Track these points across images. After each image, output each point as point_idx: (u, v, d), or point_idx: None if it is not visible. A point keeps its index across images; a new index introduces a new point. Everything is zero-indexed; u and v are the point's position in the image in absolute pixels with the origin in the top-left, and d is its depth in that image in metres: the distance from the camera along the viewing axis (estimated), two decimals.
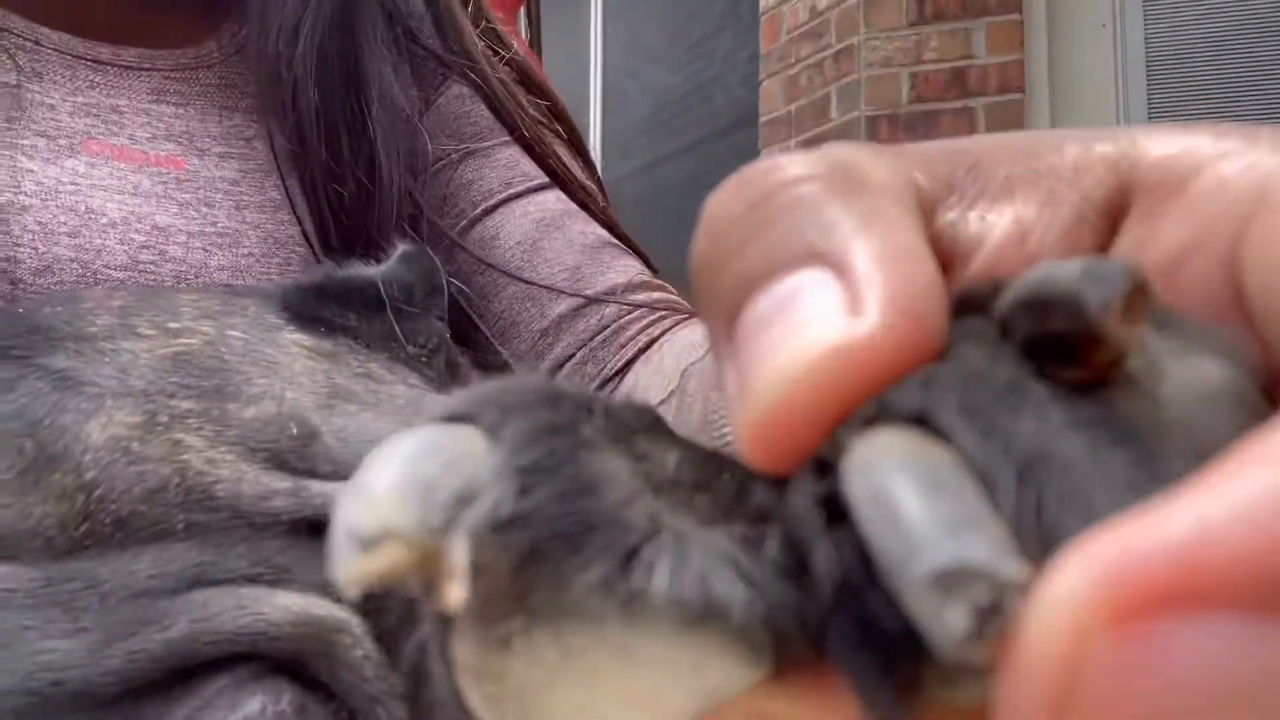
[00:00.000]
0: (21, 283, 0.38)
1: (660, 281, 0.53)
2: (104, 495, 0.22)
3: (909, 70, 2.19)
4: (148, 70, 0.47)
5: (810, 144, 2.36)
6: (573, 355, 0.51)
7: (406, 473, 0.10)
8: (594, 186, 0.57)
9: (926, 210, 0.13)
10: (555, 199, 0.54)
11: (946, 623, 0.08)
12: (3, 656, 0.19)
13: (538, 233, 0.53)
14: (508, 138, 0.55)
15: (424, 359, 0.33)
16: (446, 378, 0.33)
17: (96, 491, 0.22)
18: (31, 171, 0.40)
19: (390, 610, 0.23)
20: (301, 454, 0.25)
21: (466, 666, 0.10)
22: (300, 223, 0.46)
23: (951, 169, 0.14)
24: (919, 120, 2.17)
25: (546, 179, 0.54)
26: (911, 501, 0.09)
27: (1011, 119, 2.11)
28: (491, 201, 0.53)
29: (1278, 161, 0.11)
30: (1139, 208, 0.13)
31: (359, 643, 0.22)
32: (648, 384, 0.48)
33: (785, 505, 0.10)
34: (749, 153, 2.68)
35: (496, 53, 0.55)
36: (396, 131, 0.48)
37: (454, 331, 0.38)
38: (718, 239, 0.13)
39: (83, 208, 0.40)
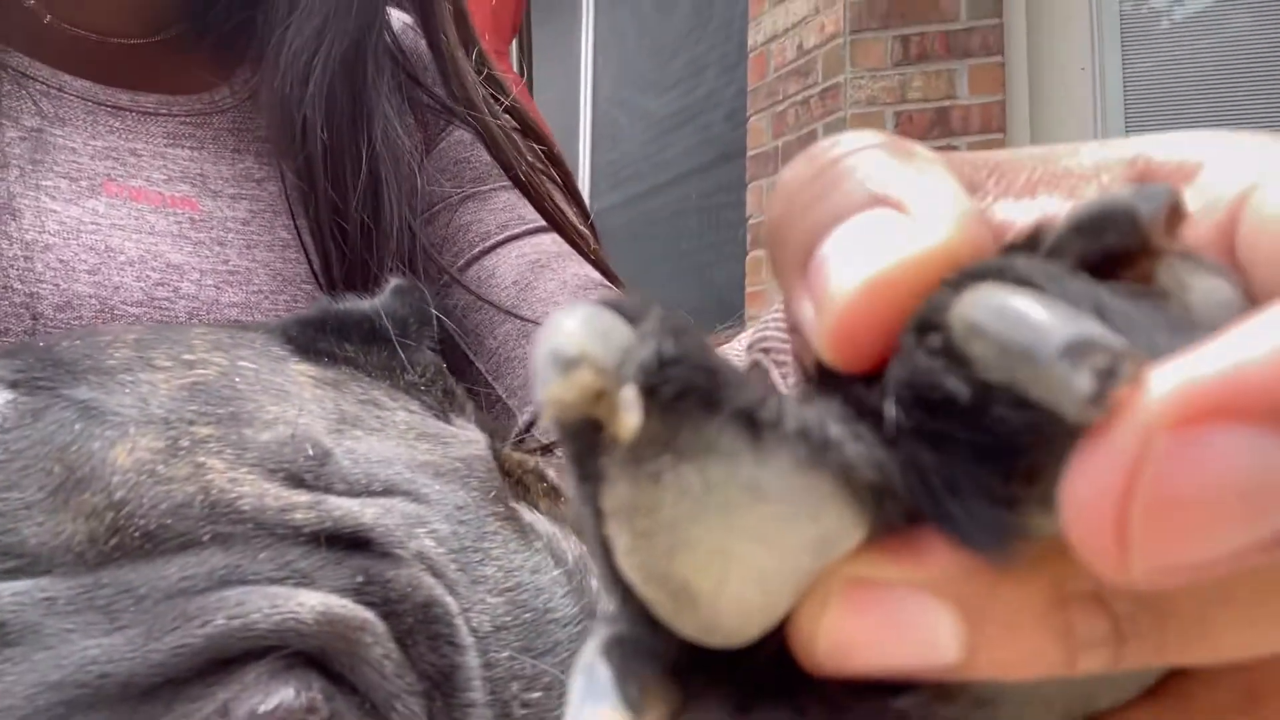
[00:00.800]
0: (43, 317, 0.40)
1: None
2: (132, 511, 0.24)
3: (893, 109, 2.24)
4: (164, 116, 0.49)
5: None
6: None
7: (589, 324, 0.12)
8: (586, 231, 0.59)
9: None
10: (550, 241, 0.56)
11: (1075, 384, 0.10)
12: (51, 655, 0.21)
13: (532, 273, 0.55)
14: (505, 182, 0.57)
15: (422, 386, 0.35)
16: (444, 404, 0.35)
17: (125, 508, 0.24)
18: (55, 211, 0.42)
19: (407, 615, 0.25)
20: (318, 473, 0.27)
21: (619, 509, 0.12)
22: (308, 258, 0.48)
23: (975, 171, 0.16)
24: None
25: (541, 223, 0.56)
26: (1033, 305, 0.11)
27: None
28: (488, 243, 0.55)
29: (1268, 153, 0.14)
30: None
31: (379, 642, 0.24)
32: None
33: (891, 374, 0.12)
34: (735, 186, 2.72)
35: (497, 99, 0.58)
36: (399, 171, 0.51)
37: (448, 366, 0.40)
38: (790, 201, 0.15)
39: (102, 246, 0.42)
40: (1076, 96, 2.20)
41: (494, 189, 0.58)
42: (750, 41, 2.62)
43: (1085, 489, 0.10)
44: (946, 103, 2.20)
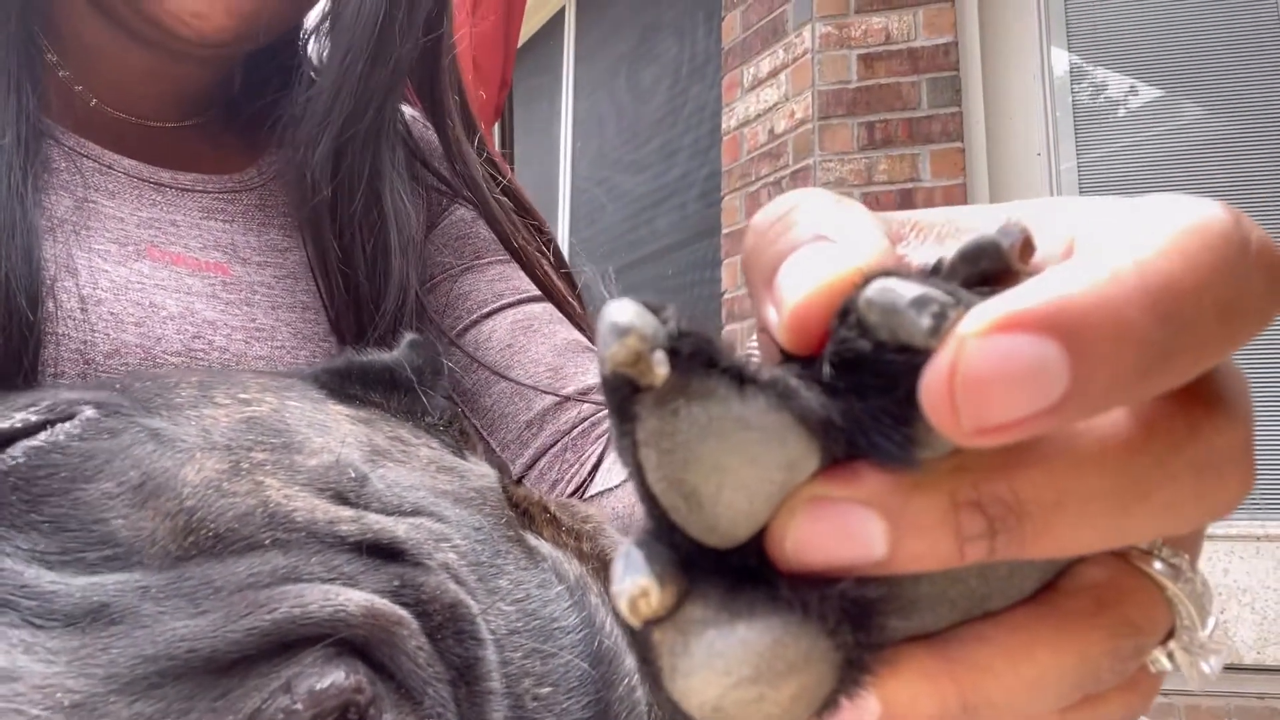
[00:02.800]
0: (94, 363, 0.44)
1: None
2: (203, 516, 0.28)
3: (860, 190, 2.34)
4: (200, 192, 0.54)
5: None
6: (553, 445, 0.58)
7: (634, 309, 0.16)
8: (575, 299, 0.64)
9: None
10: (541, 309, 0.61)
11: (920, 323, 0.16)
12: (148, 633, 0.25)
13: (524, 336, 0.60)
14: (501, 256, 0.63)
15: (440, 427, 0.40)
16: (459, 443, 0.40)
17: (197, 514, 0.28)
18: (106, 271, 0.47)
19: (436, 614, 0.29)
20: (358, 493, 0.31)
21: (649, 436, 0.16)
22: (326, 310, 0.53)
23: (900, 226, 0.21)
24: None
25: (533, 292, 0.62)
26: (900, 282, 0.16)
27: None
28: (485, 310, 0.61)
29: (1097, 213, 0.19)
30: None
31: (414, 635, 0.28)
32: (622, 470, 0.54)
33: (827, 348, 0.17)
34: (711, 263, 2.80)
35: (494, 179, 0.64)
36: (406, 237, 0.56)
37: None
38: (760, 236, 0.20)
39: (147, 302, 0.47)
40: (1033, 180, 2.31)
41: (491, 262, 0.64)
42: (724, 126, 2.73)
43: (930, 379, 0.16)
44: (910, 185, 2.31)
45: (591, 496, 0.55)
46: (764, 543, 0.17)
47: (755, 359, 0.17)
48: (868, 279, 0.17)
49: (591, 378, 0.59)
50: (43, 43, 0.54)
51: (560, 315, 0.63)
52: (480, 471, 0.38)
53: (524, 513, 0.38)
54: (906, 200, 2.30)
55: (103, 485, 0.28)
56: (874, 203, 2.31)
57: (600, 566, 0.38)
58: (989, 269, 0.17)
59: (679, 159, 3.17)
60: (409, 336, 0.45)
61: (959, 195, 2.27)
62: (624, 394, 0.16)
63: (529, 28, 3.74)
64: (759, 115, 2.59)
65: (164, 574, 0.26)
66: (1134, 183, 2.27)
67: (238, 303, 0.50)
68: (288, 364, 0.51)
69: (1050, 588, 0.19)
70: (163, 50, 0.55)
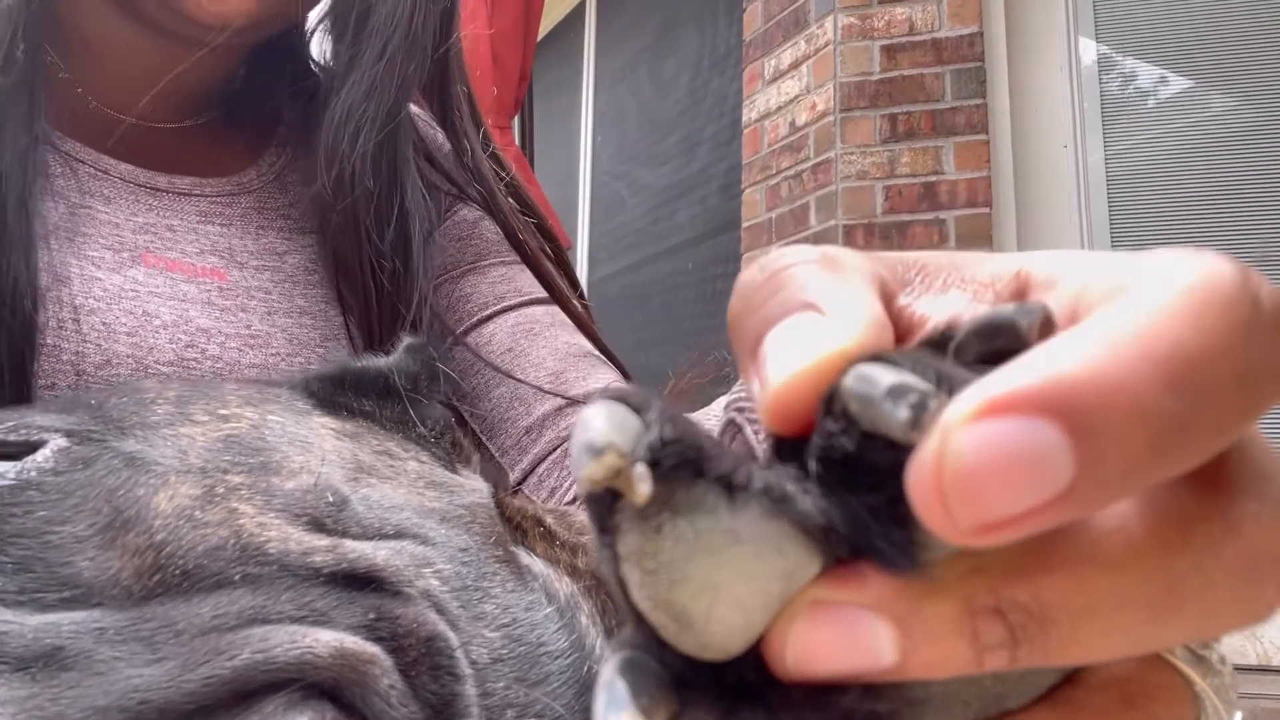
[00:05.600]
0: (85, 374, 0.44)
1: None
2: (172, 552, 0.27)
3: (883, 183, 2.31)
4: (197, 196, 0.54)
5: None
6: (553, 451, 0.57)
7: (610, 420, 0.15)
8: (579, 305, 0.63)
9: (887, 295, 0.19)
10: (543, 312, 0.60)
11: (897, 415, 0.14)
12: (101, 681, 0.23)
13: (526, 340, 0.59)
14: (504, 258, 0.62)
15: (432, 439, 0.39)
16: (451, 455, 0.39)
17: (166, 549, 0.27)
18: (99, 279, 0.46)
19: (412, 648, 0.27)
20: (336, 518, 0.30)
21: (631, 553, 0.15)
22: (342, 307, 0.52)
23: (905, 271, 0.20)
24: (892, 229, 2.27)
25: (536, 295, 0.61)
26: (877, 369, 0.15)
27: (979, 230, 2.22)
28: (486, 312, 0.60)
29: (1104, 274, 0.17)
30: (1031, 296, 0.19)
31: (387, 674, 0.26)
32: None
33: (813, 438, 0.16)
34: (731, 256, 2.78)
35: (499, 175, 0.63)
36: (424, 233, 0.56)
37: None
38: (745, 300, 0.19)
39: (140, 311, 0.46)
40: (1059, 173, 2.28)
41: (493, 263, 0.63)
42: (744, 118, 2.70)
43: (915, 476, 0.14)
44: (934, 178, 2.27)
45: None
46: (762, 651, 0.16)
47: (750, 438, 0.16)
48: (853, 362, 0.15)
49: (595, 383, 0.58)
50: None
51: (562, 319, 0.62)
52: (471, 486, 0.36)
53: (516, 526, 0.37)
54: (929, 193, 2.26)
55: (76, 529, 0.27)
56: (896, 196, 2.28)
57: (594, 584, 0.37)
58: (1004, 348, 0.15)
59: (700, 152, 3.15)
60: (406, 340, 0.44)
61: (983, 188, 2.23)
62: (605, 503, 0.15)
63: (549, 21, 3.73)
64: (780, 108, 2.56)
65: (124, 614, 0.25)
66: (1163, 176, 2.23)
67: (233, 309, 0.50)
68: (282, 371, 0.50)
69: (1071, 682, 0.17)
70: (176, 39, 0.54)
